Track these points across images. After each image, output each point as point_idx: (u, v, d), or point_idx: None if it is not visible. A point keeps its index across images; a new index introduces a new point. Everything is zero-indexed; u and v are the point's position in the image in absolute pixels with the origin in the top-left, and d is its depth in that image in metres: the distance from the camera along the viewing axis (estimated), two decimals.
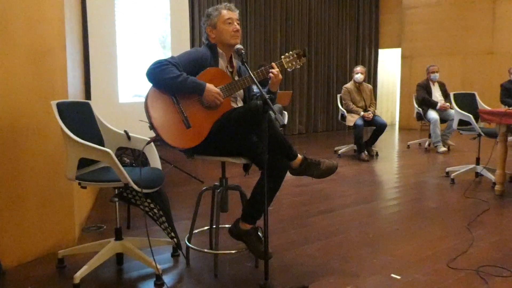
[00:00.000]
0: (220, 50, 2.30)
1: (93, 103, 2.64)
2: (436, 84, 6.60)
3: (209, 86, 2.11)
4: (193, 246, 2.44)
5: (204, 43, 2.37)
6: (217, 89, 2.13)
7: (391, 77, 10.94)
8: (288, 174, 2.23)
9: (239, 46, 2.19)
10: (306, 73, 9.18)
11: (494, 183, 3.92)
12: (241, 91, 2.34)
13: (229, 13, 2.28)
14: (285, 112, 5.71)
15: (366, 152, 5.82)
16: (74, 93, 2.81)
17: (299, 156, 2.22)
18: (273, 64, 2.24)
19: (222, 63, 2.31)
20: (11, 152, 2.30)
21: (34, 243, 2.45)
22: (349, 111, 5.97)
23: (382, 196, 4.00)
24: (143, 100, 2.09)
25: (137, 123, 2.97)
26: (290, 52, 2.29)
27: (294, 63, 2.28)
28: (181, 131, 2.07)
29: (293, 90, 8.65)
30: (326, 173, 2.23)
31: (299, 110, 9.16)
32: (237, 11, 2.33)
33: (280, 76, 2.25)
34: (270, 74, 2.21)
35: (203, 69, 2.18)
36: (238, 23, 2.30)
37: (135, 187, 2.02)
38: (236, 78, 2.35)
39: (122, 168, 1.98)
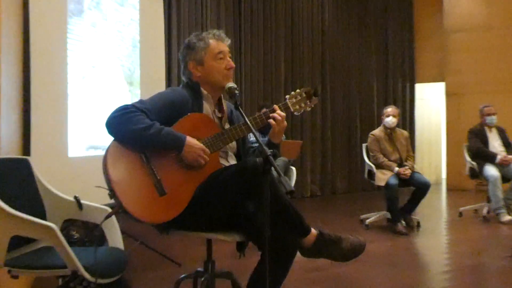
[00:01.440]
0: (204, 91, 2.35)
1: (33, 158, 2.65)
2: (494, 130, 6.67)
3: (190, 140, 2.13)
4: None
5: (183, 82, 2.42)
6: (201, 144, 2.15)
7: (434, 121, 11.08)
8: (298, 255, 2.21)
9: (231, 84, 2.24)
10: (320, 117, 9.32)
11: None
12: (234, 143, 2.37)
13: (220, 45, 2.35)
14: (293, 168, 5.72)
15: (403, 222, 5.78)
16: (9, 147, 2.83)
17: (313, 231, 2.21)
18: (276, 106, 2.27)
19: (208, 107, 2.35)
20: None
21: None
22: (379, 166, 6.00)
23: (427, 285, 3.92)
24: (101, 153, 2.10)
25: (91, 184, 2.96)
26: (297, 91, 2.34)
27: (302, 104, 2.32)
28: (152, 200, 2.07)
29: (303, 139, 8.73)
30: (350, 254, 2.21)
31: (311, 165, 9.21)
32: (229, 41, 2.39)
33: (285, 122, 2.28)
34: (271, 121, 2.24)
35: (182, 116, 2.21)
36: (230, 57, 2.36)
37: (87, 276, 1.99)
38: (227, 126, 2.38)
39: (70, 250, 1.96)
